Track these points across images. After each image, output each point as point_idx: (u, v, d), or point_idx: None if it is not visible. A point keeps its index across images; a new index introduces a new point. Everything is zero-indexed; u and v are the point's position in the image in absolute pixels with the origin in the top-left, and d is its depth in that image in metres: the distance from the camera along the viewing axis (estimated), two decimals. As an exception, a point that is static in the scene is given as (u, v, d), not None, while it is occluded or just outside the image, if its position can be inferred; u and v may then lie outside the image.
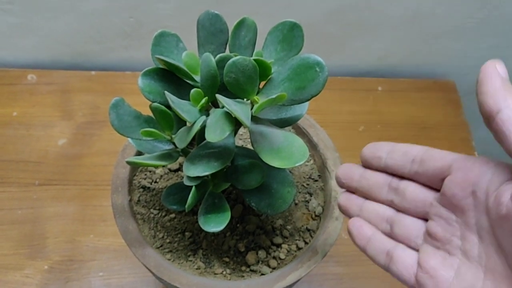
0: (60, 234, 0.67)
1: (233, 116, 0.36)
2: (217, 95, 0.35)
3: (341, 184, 0.40)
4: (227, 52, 0.41)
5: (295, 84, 0.37)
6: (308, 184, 0.51)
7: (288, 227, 0.49)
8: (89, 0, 0.73)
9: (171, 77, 0.39)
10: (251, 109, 0.38)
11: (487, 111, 0.28)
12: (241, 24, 0.39)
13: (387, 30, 0.81)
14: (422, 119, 0.83)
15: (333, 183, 0.50)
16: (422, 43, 0.84)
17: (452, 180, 0.31)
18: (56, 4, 0.73)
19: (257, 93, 0.38)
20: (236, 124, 0.37)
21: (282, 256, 0.46)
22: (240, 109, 0.36)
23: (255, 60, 0.36)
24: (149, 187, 0.50)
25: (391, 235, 0.36)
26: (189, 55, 0.40)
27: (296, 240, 0.48)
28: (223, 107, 0.40)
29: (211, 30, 0.40)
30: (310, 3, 0.76)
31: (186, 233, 0.48)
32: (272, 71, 0.39)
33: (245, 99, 0.38)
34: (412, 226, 0.35)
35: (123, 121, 0.39)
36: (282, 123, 0.43)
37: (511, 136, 0.27)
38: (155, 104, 0.38)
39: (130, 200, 0.48)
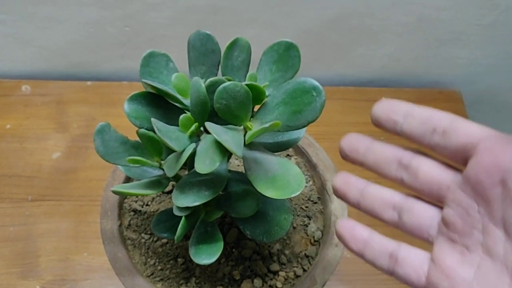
0: (53, 252, 0.65)
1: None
2: (206, 124, 0.33)
3: (344, 157, 0.33)
4: (220, 73, 0.39)
5: (291, 108, 0.35)
6: (307, 207, 0.49)
7: (286, 252, 0.46)
8: (84, 10, 0.71)
9: (159, 101, 0.37)
10: (245, 134, 0.36)
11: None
12: (233, 44, 0.37)
13: (390, 37, 0.79)
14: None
15: (333, 207, 0.47)
16: (427, 51, 0.81)
17: (479, 163, 0.26)
18: (51, 14, 0.71)
19: (251, 118, 0.36)
20: (227, 152, 0.35)
21: (279, 284, 0.44)
22: (231, 137, 0.33)
23: (247, 85, 0.34)
24: (140, 210, 0.48)
25: (398, 225, 0.31)
26: (179, 77, 0.37)
27: (294, 267, 0.46)
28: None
29: (202, 51, 0.38)
30: (311, 10, 0.73)
31: (179, 260, 0.45)
32: (267, 93, 0.36)
33: (237, 125, 0.36)
34: (425, 214, 0.30)
35: (109, 147, 0.37)
36: (278, 147, 0.41)
37: None
38: (142, 130, 0.36)
39: (120, 225, 0.46)
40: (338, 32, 0.76)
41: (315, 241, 0.47)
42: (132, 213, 0.48)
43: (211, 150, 0.34)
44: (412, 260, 0.29)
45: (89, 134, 0.75)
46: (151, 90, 0.37)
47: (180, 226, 0.36)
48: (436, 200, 0.29)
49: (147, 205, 0.48)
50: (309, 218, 0.49)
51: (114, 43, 0.77)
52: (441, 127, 0.28)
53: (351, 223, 0.33)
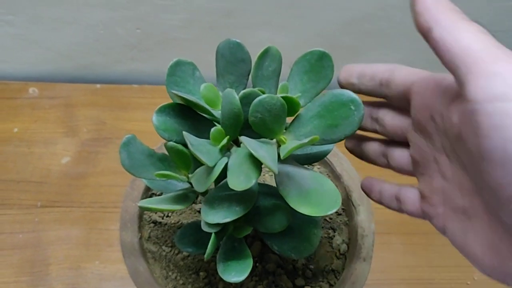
0: (64, 260, 0.63)
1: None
2: (242, 138, 0.32)
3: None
4: (249, 83, 0.37)
5: (327, 122, 0.34)
6: (331, 218, 0.48)
7: (311, 266, 0.45)
8: (94, 11, 0.69)
9: (188, 112, 0.36)
10: (278, 147, 0.35)
11: (420, 30, 0.28)
12: (265, 53, 0.35)
13: (404, 41, 0.77)
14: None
15: (359, 219, 0.46)
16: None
17: (414, 106, 0.32)
18: (59, 15, 0.70)
19: (284, 131, 0.35)
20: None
21: (305, 300, 0.43)
22: (266, 152, 0.32)
23: (283, 97, 0.32)
24: (160, 222, 0.47)
25: (390, 168, 0.37)
26: (208, 88, 0.36)
27: (320, 281, 0.44)
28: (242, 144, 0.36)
29: (232, 60, 0.36)
30: (325, 13, 0.72)
31: (201, 273, 0.44)
32: (300, 106, 0.35)
33: (270, 138, 0.34)
34: (401, 157, 0.35)
35: (135, 160, 0.36)
36: (308, 160, 0.40)
37: (445, 53, 0.26)
38: (171, 143, 0.35)
39: (140, 238, 0.45)
40: (351, 35, 0.75)
41: (340, 254, 0.46)
42: (152, 224, 0.46)
43: (245, 166, 0.32)
44: (409, 198, 0.35)
45: (99, 138, 0.74)
46: (179, 101, 0.35)
47: (210, 243, 0.35)
48: (405, 142, 0.34)
49: (167, 216, 0.47)
50: (334, 230, 0.47)
51: (124, 45, 0.75)
52: (384, 79, 0.33)
53: (370, 179, 0.39)
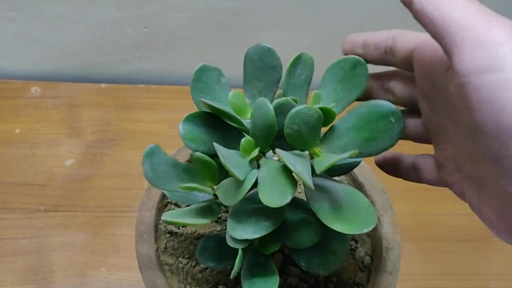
0: (68, 267, 0.61)
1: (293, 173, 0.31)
2: (278, 152, 0.30)
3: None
4: (279, 90, 0.35)
5: (364, 135, 0.32)
6: (353, 229, 0.46)
7: (334, 279, 0.43)
8: (101, 10, 0.67)
9: (214, 121, 0.34)
10: (311, 159, 0.33)
11: (402, 2, 0.27)
12: (297, 60, 0.34)
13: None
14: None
15: (383, 231, 0.44)
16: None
17: (416, 73, 0.31)
18: (64, 13, 0.67)
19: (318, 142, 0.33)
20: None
21: (329, 315, 0.41)
22: (302, 166, 0.30)
23: (320, 108, 0.30)
24: (176, 232, 0.45)
25: (408, 138, 0.35)
26: (236, 96, 0.34)
27: (343, 295, 0.43)
28: (268, 151, 0.35)
29: (261, 66, 0.35)
30: (337, 14, 0.70)
31: (220, 287, 0.42)
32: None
33: (303, 150, 0.33)
34: (415, 126, 0.34)
35: (159, 172, 0.34)
36: (337, 172, 0.38)
37: (428, 24, 0.25)
38: (198, 154, 0.33)
39: (157, 249, 0.43)
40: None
41: (364, 266, 0.44)
42: (168, 235, 0.44)
43: (278, 180, 0.31)
44: (426, 166, 0.34)
45: (104, 140, 0.71)
46: (206, 109, 0.33)
47: (237, 261, 0.33)
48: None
49: (184, 226, 0.45)
50: (356, 241, 0.45)
51: (130, 44, 0.73)
52: (388, 47, 0.33)
53: (382, 154, 0.37)
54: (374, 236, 0.45)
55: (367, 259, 0.44)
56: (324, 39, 0.73)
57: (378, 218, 0.45)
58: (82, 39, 0.72)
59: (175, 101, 0.75)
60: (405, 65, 0.32)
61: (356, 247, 0.45)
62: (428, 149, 0.35)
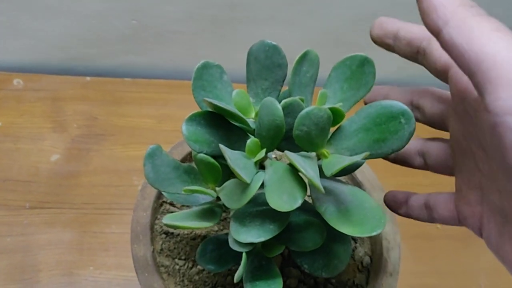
0: (55, 266, 0.60)
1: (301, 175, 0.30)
2: (288, 154, 0.29)
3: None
4: (284, 89, 0.34)
5: (373, 136, 0.31)
6: (352, 229, 0.45)
7: (333, 281, 0.43)
8: (88, 0, 0.65)
9: (218, 121, 0.33)
10: (318, 160, 0.32)
11: (430, 31, 0.25)
12: (303, 58, 0.32)
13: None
14: (444, 133, 0.77)
15: (383, 231, 0.44)
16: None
17: (451, 90, 0.30)
18: (50, 3, 0.65)
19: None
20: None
21: (329, 317, 0.41)
22: (310, 168, 0.29)
23: (330, 109, 0.29)
24: (172, 233, 0.43)
25: (424, 166, 0.35)
26: (240, 95, 0.33)
27: (343, 296, 0.42)
28: (271, 151, 0.34)
29: (267, 64, 0.33)
30: (332, 10, 0.69)
31: (217, 289, 0.41)
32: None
33: (311, 151, 0.32)
34: (439, 153, 0.34)
35: (160, 173, 0.32)
36: (340, 172, 0.37)
37: (458, 57, 0.23)
38: (201, 155, 0.32)
39: (153, 251, 0.41)
40: (358, 33, 0.73)
41: (363, 267, 0.44)
42: (164, 235, 0.43)
43: (287, 183, 0.30)
44: (441, 202, 0.32)
45: (90, 134, 0.70)
46: (209, 108, 0.32)
47: (242, 265, 0.32)
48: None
49: (180, 227, 0.44)
50: (355, 241, 0.45)
51: (118, 37, 0.71)
52: (422, 48, 0.30)
53: (392, 193, 0.37)
54: (374, 237, 0.45)
55: (367, 259, 0.44)
56: (317, 34, 0.72)
57: (377, 218, 0.44)
58: (68, 31, 0.69)
59: (164, 95, 0.73)
60: (438, 74, 0.31)
61: (355, 247, 0.45)
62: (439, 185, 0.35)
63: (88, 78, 0.74)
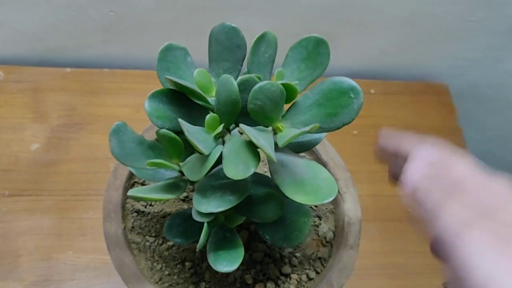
0: (35, 251, 0.61)
1: (256, 147, 0.32)
2: (242, 126, 0.31)
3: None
4: (243, 69, 0.36)
5: (325, 111, 0.33)
6: (316, 206, 0.48)
7: (297, 254, 0.45)
8: (65, -8, 0.66)
9: (180, 98, 0.34)
10: (274, 134, 0.34)
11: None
12: (261, 39, 0.34)
13: (382, 30, 0.78)
14: (416, 124, 0.80)
15: (345, 207, 0.46)
16: (416, 44, 0.81)
17: None
18: (28, -5, 0.66)
19: (281, 118, 0.34)
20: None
21: (293, 288, 0.43)
22: (265, 140, 0.31)
23: (282, 84, 0.31)
24: (143, 211, 0.45)
25: None
26: (202, 74, 0.35)
27: (306, 269, 0.44)
28: (234, 128, 0.36)
29: (227, 45, 0.35)
30: (305, 0, 0.71)
31: (186, 263, 0.43)
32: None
33: (267, 126, 0.34)
34: None
35: (125, 149, 0.34)
36: (299, 148, 0.39)
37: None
38: (164, 130, 0.33)
39: (124, 228, 0.43)
40: (330, 22, 0.75)
41: (327, 242, 0.46)
42: (135, 214, 0.45)
43: (242, 154, 0.32)
44: None
45: (70, 124, 0.71)
46: (172, 87, 0.34)
47: (202, 234, 0.34)
48: None
49: (150, 205, 0.46)
50: (320, 218, 0.47)
51: (96, 28, 0.72)
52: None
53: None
54: (337, 213, 0.47)
55: (330, 234, 0.46)
56: (288, 23, 0.74)
57: (341, 195, 0.46)
58: (47, 22, 0.71)
59: (141, 85, 0.74)
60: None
61: (320, 224, 0.47)
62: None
63: (68, 70, 0.76)
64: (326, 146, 0.49)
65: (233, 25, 0.35)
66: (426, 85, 0.84)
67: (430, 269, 0.66)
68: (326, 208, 0.48)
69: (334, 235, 0.46)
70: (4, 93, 0.72)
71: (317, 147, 0.49)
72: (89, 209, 0.64)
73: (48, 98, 0.73)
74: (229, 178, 0.35)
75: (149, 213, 0.45)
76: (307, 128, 0.30)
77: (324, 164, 0.48)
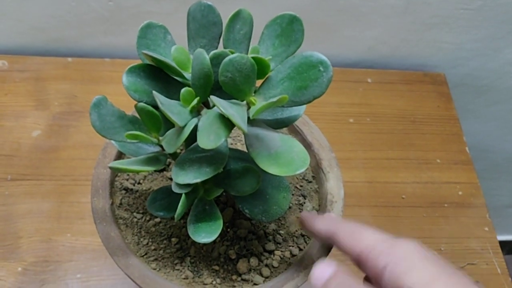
0: (35, 233, 0.63)
1: (229, 120, 0.33)
2: (212, 97, 0.32)
3: None
4: (221, 46, 0.37)
5: (296, 84, 0.34)
6: (301, 186, 0.49)
7: (281, 232, 0.46)
8: (65, -18, 0.68)
9: (158, 74, 0.36)
10: (248, 109, 0.35)
11: None
12: (236, 16, 0.36)
13: (378, 19, 0.78)
14: (412, 112, 0.80)
15: (328, 186, 0.47)
16: (413, 34, 0.81)
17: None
18: (29, -15, 0.68)
19: (254, 93, 0.35)
20: (231, 127, 0.34)
21: (275, 264, 0.44)
22: (236, 112, 0.32)
23: (253, 58, 0.32)
24: (132, 189, 0.47)
25: None
26: (179, 50, 0.36)
27: (290, 246, 0.45)
28: (213, 106, 0.37)
29: (203, 23, 0.36)
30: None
31: (173, 239, 0.44)
32: (270, 68, 0.35)
33: (240, 100, 0.35)
34: None
35: (106, 122, 0.36)
36: (278, 124, 0.40)
37: None
38: (141, 104, 0.35)
39: (112, 204, 0.45)
40: (326, 12, 0.76)
41: (310, 220, 0.47)
42: (123, 191, 0.46)
43: (215, 126, 0.33)
44: None
45: (70, 112, 0.73)
46: (149, 62, 0.35)
47: (180, 204, 0.35)
48: None
49: (139, 183, 0.47)
50: (304, 197, 0.48)
51: (96, 18, 0.74)
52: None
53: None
54: (321, 192, 0.48)
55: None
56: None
57: (325, 175, 0.47)
58: (48, 13, 0.73)
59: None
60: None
61: (304, 202, 0.48)
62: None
63: (69, 59, 0.78)
64: (311, 128, 0.50)
65: (208, 3, 0.36)
66: (423, 74, 0.84)
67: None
68: (311, 188, 0.49)
69: (318, 213, 0.47)
70: (8, 82, 0.75)
71: (302, 128, 0.50)
72: (87, 193, 0.65)
73: (50, 86, 0.75)
74: (206, 152, 0.36)
75: (137, 191, 0.47)
76: (274, 99, 0.31)
77: (309, 145, 0.49)
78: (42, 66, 0.77)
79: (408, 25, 0.80)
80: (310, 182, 0.49)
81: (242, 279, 0.43)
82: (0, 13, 0.73)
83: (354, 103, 0.80)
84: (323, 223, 0.39)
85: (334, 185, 0.47)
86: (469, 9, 0.77)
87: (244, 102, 0.35)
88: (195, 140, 0.35)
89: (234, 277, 0.43)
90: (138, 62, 0.37)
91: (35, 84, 0.75)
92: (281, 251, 0.45)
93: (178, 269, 0.43)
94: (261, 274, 0.43)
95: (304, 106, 0.40)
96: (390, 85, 0.82)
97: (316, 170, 0.49)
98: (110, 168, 0.35)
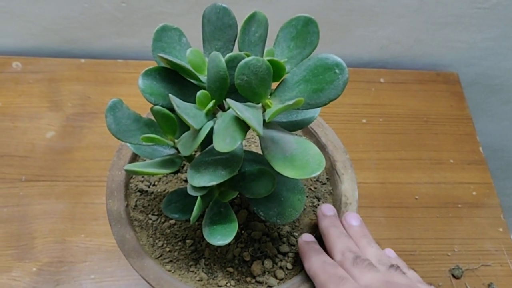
0: (49, 234, 0.63)
1: (245, 122, 0.33)
2: (228, 100, 0.32)
3: None
4: (235, 49, 0.37)
5: (312, 87, 0.34)
6: (315, 188, 0.48)
7: (296, 234, 0.46)
8: (78, -16, 0.68)
9: (174, 76, 0.36)
10: (263, 112, 0.35)
11: None
12: (251, 18, 0.36)
13: (391, 19, 0.78)
14: (425, 112, 0.80)
15: (343, 187, 0.47)
16: (426, 33, 0.81)
17: None
18: (43, -12, 0.69)
19: (269, 96, 0.35)
20: (247, 130, 0.34)
21: (289, 266, 0.44)
22: (252, 115, 0.32)
23: (268, 60, 0.32)
24: (146, 191, 0.47)
25: None
26: (194, 53, 0.36)
27: (304, 248, 0.45)
28: (228, 109, 0.37)
29: (218, 25, 0.36)
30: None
31: (187, 241, 0.44)
32: (286, 71, 0.35)
33: (256, 103, 0.35)
34: None
35: (121, 125, 0.36)
36: (293, 126, 0.40)
37: None
38: (157, 107, 0.35)
39: (127, 206, 0.45)
40: (339, 12, 0.75)
41: (324, 222, 0.46)
42: (138, 193, 0.46)
43: (231, 128, 0.33)
44: None
45: (84, 113, 0.73)
46: (165, 65, 0.36)
47: (196, 206, 0.35)
48: None
49: (153, 185, 0.47)
50: (318, 199, 0.48)
51: (109, 20, 0.74)
52: None
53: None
54: (335, 194, 0.48)
55: (328, 215, 0.47)
56: (297, 13, 0.74)
57: (339, 177, 0.47)
58: (62, 15, 0.73)
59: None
60: None
61: (318, 204, 0.47)
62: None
63: (82, 60, 0.78)
64: (325, 129, 0.50)
65: (224, 5, 0.36)
66: (436, 74, 0.84)
67: (438, 256, 0.66)
68: (325, 190, 0.49)
69: (332, 215, 0.47)
70: (22, 83, 0.75)
71: (316, 130, 0.50)
72: (101, 195, 0.67)
73: (64, 88, 0.75)
74: (222, 154, 0.36)
75: (152, 192, 0.47)
76: (291, 102, 0.31)
77: (323, 147, 0.49)
78: (56, 67, 0.77)
79: (421, 25, 0.79)
80: (324, 184, 0.49)
81: (256, 281, 0.43)
82: (14, 15, 0.73)
83: (366, 104, 0.79)
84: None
85: (348, 187, 0.47)
86: (483, 8, 0.76)
87: (260, 104, 0.35)
88: (211, 143, 0.35)
89: (248, 279, 0.43)
90: (152, 63, 0.37)
91: (49, 85, 0.76)
92: (295, 253, 0.45)
93: (192, 271, 0.43)
94: (275, 276, 0.43)
95: (319, 108, 0.40)
96: (402, 85, 0.82)
97: (331, 172, 0.49)
98: (126, 171, 0.35)
